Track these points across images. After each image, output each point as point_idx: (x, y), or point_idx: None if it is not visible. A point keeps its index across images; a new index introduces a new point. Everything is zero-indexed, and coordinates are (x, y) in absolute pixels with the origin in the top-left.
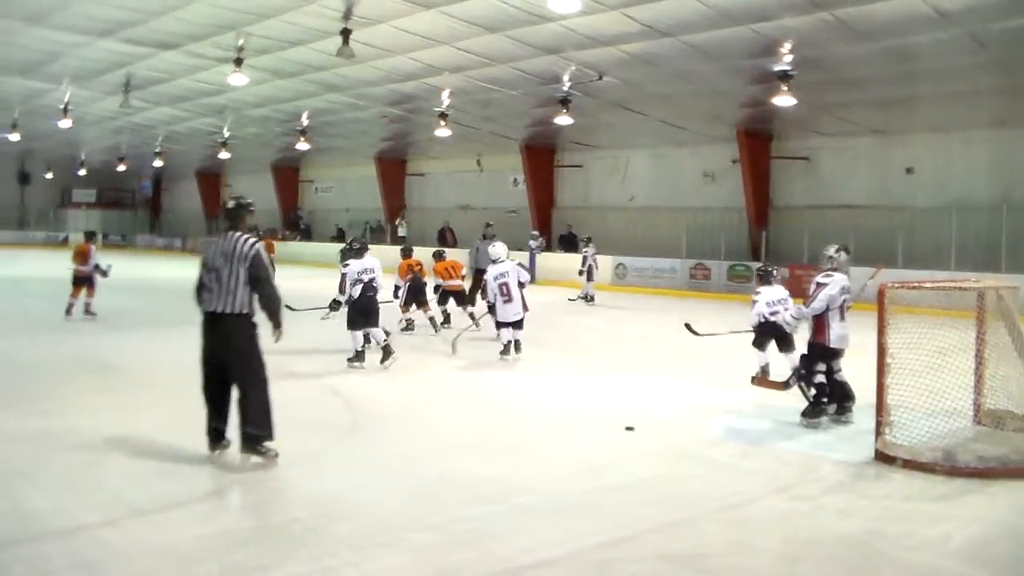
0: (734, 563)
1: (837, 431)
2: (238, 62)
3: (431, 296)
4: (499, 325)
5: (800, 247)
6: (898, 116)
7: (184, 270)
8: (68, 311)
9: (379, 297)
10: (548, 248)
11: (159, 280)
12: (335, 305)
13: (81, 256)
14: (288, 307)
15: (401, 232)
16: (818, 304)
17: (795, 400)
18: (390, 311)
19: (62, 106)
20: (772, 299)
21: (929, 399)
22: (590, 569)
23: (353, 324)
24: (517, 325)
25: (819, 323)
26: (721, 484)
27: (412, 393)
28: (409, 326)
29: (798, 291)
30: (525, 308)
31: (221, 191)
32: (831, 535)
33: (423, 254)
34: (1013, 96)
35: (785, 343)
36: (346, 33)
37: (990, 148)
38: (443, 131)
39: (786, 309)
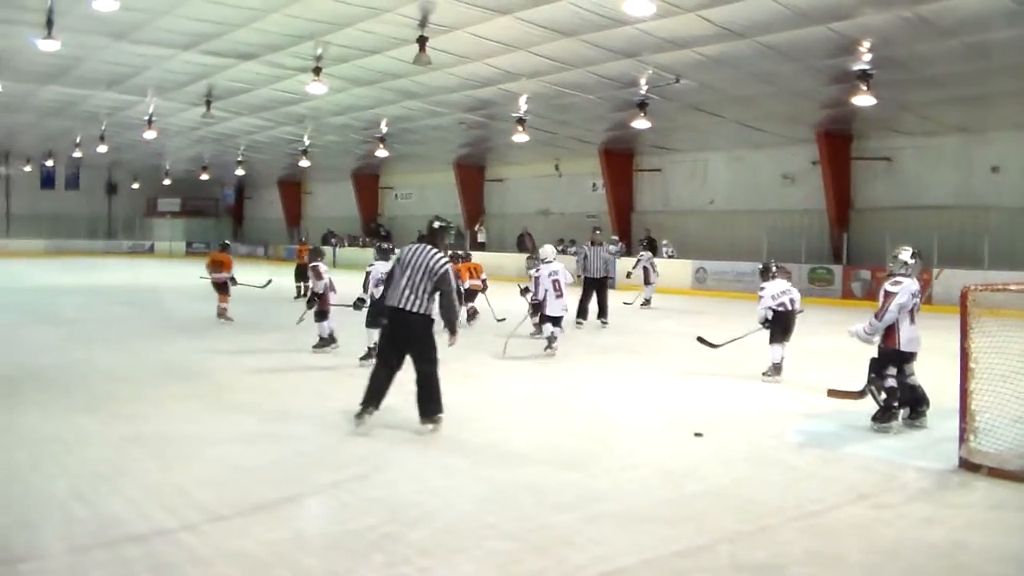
0: (812, 574)
1: (916, 437)
2: (316, 71)
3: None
4: (545, 319)
5: (882, 249)
6: (982, 114)
7: (274, 275)
8: (221, 315)
9: None
10: (628, 252)
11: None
12: (359, 303)
13: (218, 265)
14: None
15: (481, 238)
16: (889, 316)
17: (870, 405)
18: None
19: (147, 118)
20: (776, 292)
21: (1016, 405)
22: None
23: (371, 323)
24: (558, 321)
25: (888, 327)
26: (801, 492)
27: (475, 397)
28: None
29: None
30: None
31: (302, 199)
32: (913, 545)
33: (500, 259)
34: None
35: (789, 334)
36: (422, 40)
37: None
38: (521, 136)
39: (791, 300)
